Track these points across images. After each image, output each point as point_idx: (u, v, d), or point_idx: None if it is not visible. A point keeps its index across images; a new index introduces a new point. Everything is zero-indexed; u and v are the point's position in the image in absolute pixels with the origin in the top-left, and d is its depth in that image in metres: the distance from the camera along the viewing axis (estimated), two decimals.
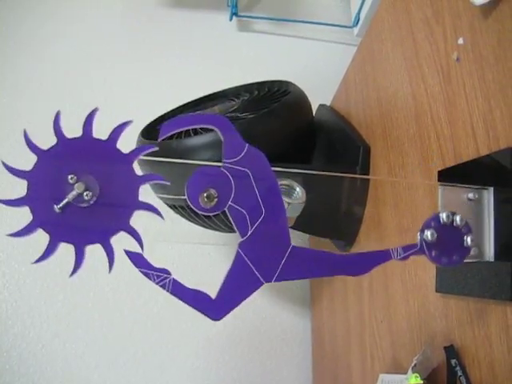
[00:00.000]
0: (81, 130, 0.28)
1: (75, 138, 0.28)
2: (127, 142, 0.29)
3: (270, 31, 1.21)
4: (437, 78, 0.46)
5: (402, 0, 0.55)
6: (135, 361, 0.98)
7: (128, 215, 0.27)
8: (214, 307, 0.28)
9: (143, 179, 0.28)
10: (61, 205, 0.26)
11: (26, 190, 0.27)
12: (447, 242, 0.32)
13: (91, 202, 0.27)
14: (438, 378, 0.42)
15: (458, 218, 0.32)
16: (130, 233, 0.27)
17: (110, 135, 0.28)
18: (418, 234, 0.32)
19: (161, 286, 0.28)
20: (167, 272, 0.28)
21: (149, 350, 0.99)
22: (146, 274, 0.28)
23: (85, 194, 0.27)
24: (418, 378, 0.40)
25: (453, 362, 0.39)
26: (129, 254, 0.27)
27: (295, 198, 0.37)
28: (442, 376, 0.40)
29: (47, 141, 0.28)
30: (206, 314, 0.28)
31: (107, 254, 0.27)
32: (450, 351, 0.39)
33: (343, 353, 0.73)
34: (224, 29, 1.20)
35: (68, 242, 0.27)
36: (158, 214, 0.28)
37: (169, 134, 0.29)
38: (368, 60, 0.67)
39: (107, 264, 0.27)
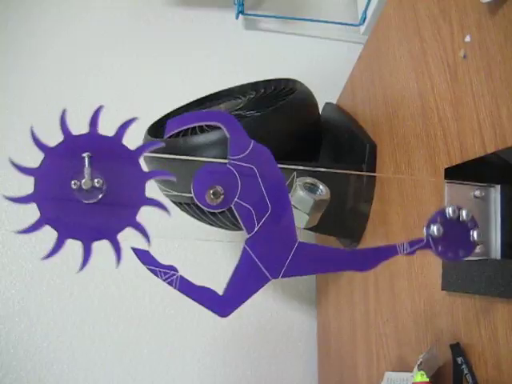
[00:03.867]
0: (87, 127, 0.28)
1: (81, 135, 0.28)
2: (134, 141, 0.29)
3: (277, 29, 1.21)
4: (443, 75, 0.45)
5: None
6: (141, 358, 0.99)
7: (135, 211, 0.27)
8: (222, 304, 0.28)
9: (150, 175, 0.28)
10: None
11: (32, 187, 0.27)
12: (453, 237, 0.32)
13: (99, 197, 0.27)
14: (443, 376, 0.42)
15: (464, 213, 0.32)
16: (137, 228, 0.27)
17: (116, 131, 0.28)
18: (424, 228, 0.32)
19: (168, 283, 0.28)
20: (174, 269, 0.28)
21: (155, 348, 0.99)
22: (153, 271, 0.28)
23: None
24: (424, 376, 0.40)
25: (459, 360, 0.39)
26: (136, 251, 0.27)
27: (319, 194, 0.37)
28: (448, 374, 0.40)
29: (51, 138, 0.28)
30: (213, 311, 0.28)
31: (115, 250, 0.27)
32: (456, 349, 0.39)
33: (349, 351, 0.73)
34: (230, 27, 1.19)
35: (75, 238, 0.27)
36: (165, 209, 0.28)
37: (175, 131, 0.29)
38: (374, 58, 0.66)
39: (114, 260, 0.27)
